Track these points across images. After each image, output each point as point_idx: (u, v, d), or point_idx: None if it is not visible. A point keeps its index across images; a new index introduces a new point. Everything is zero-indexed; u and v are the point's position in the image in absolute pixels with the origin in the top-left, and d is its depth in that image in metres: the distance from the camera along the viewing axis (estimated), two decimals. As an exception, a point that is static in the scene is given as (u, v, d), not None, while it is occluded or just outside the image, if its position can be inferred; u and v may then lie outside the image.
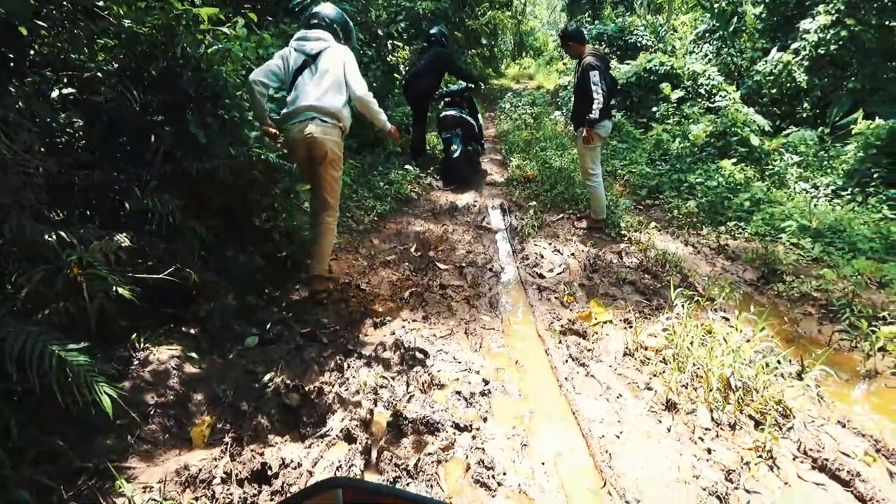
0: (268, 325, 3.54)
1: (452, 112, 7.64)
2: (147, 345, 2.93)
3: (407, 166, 7.65)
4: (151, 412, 2.63)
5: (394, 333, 3.72)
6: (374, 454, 2.57)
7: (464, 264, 5.04)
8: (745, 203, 6.50)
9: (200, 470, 2.36)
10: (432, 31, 8.06)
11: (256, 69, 3.93)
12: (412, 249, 5.35)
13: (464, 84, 8.01)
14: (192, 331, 3.28)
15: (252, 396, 2.91)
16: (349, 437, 2.64)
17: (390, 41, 9.36)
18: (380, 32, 8.48)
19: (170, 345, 3.00)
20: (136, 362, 2.83)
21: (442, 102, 8.05)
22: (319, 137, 3.86)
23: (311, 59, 3.95)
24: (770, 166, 8.23)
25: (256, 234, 4.22)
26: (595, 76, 5.25)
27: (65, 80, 3.12)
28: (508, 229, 6.10)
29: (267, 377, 3.03)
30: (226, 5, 4.01)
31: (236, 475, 2.34)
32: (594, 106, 5.27)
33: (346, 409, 2.88)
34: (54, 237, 2.53)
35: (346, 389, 3.05)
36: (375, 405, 2.93)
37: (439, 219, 6.41)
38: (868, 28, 10.19)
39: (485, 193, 7.58)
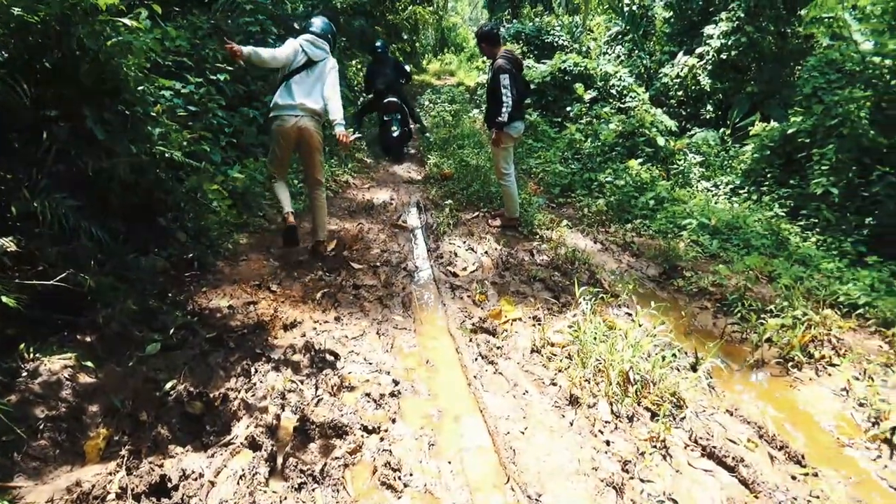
0: (171, 331, 3.40)
1: (395, 99, 8.94)
2: (37, 355, 2.78)
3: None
4: (41, 427, 2.49)
5: (304, 335, 3.68)
6: (279, 461, 2.55)
7: (378, 263, 5.03)
8: (649, 202, 6.77)
9: (94, 486, 2.26)
10: (378, 44, 9.56)
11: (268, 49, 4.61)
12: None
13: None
14: (88, 338, 3.12)
15: (152, 406, 2.80)
16: (254, 445, 2.60)
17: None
18: (296, 26, 8.23)
19: (62, 354, 2.84)
20: (25, 374, 2.67)
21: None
22: (312, 129, 4.70)
23: (311, 63, 4.69)
24: (675, 166, 8.61)
25: (161, 234, 4.08)
26: (505, 79, 5.34)
27: (-57, 72, 2.92)
28: (424, 227, 6.13)
29: (169, 385, 2.91)
30: (128, -6, 3.85)
31: (132, 489, 2.26)
32: (503, 109, 5.36)
33: (251, 415, 2.83)
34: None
35: (253, 395, 3.00)
36: (283, 410, 2.90)
37: (355, 217, 6.36)
38: (766, 35, 10.86)
39: (402, 191, 7.59)
